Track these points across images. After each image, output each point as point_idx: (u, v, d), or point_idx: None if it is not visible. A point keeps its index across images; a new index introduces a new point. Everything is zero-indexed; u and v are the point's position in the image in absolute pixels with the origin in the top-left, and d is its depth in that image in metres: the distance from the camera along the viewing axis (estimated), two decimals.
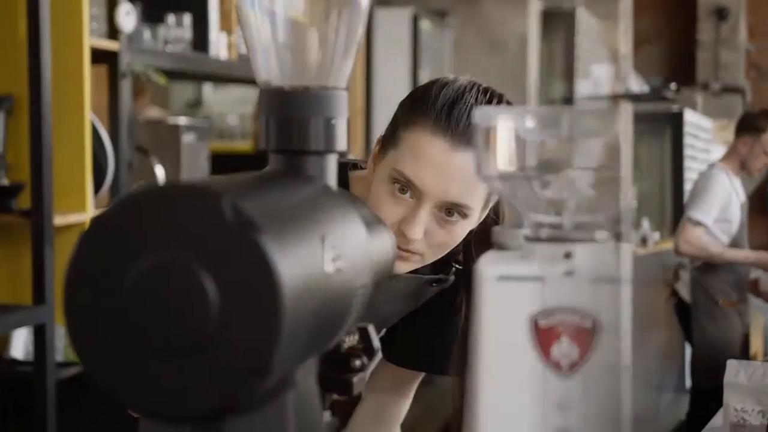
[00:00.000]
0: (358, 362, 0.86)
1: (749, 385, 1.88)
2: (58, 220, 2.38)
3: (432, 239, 1.24)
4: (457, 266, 1.40)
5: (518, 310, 0.68)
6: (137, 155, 2.84)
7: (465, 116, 1.21)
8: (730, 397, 1.88)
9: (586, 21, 7.00)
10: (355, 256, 0.73)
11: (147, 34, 2.89)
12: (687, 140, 6.56)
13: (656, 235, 5.78)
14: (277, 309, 0.59)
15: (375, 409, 1.48)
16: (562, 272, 0.68)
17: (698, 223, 4.16)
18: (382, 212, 1.23)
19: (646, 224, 5.93)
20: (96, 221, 0.62)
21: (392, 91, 5.06)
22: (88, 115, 2.45)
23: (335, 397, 0.85)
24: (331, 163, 0.79)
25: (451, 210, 1.23)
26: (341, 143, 0.78)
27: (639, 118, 5.80)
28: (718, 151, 8.02)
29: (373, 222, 0.85)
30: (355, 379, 0.86)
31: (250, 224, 0.60)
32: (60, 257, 2.34)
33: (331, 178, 0.79)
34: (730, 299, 4.38)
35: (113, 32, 2.63)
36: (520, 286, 0.68)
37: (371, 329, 0.86)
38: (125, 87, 2.64)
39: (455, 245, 1.28)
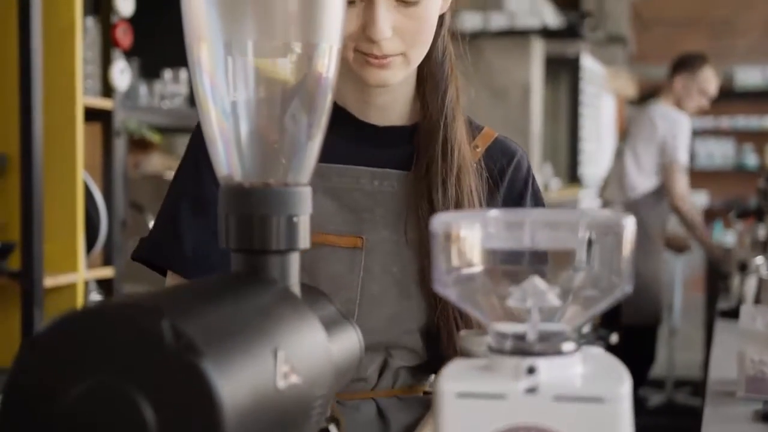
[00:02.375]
0: None
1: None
2: (49, 281, 2.35)
3: (404, 33, 1.15)
4: None
5: (479, 430, 0.65)
6: (132, 212, 2.82)
7: None
8: (746, 347, 1.68)
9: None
10: (313, 365, 0.70)
11: (143, 89, 2.89)
12: (582, 86, 6.58)
13: (556, 182, 5.76)
14: None
15: None
16: (524, 389, 0.65)
17: (686, 168, 4.20)
18: None
19: (548, 170, 5.88)
20: (32, 342, 0.59)
21: None
22: (81, 174, 2.43)
23: None
24: (294, 262, 0.76)
25: None
26: (304, 241, 0.76)
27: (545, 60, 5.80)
28: (608, 99, 8.07)
29: (336, 321, 0.82)
30: None
31: (191, 348, 0.57)
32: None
33: (293, 278, 0.76)
34: (663, 234, 4.37)
35: (108, 90, 2.62)
36: (482, 404, 0.65)
37: (333, 429, 0.83)
38: (119, 145, 2.62)
39: (432, 32, 1.19)
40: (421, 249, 1.21)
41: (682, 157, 4.19)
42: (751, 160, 9.66)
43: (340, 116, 1.25)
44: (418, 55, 1.19)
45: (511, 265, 0.69)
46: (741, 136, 9.73)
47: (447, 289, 0.67)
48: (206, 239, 1.20)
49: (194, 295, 0.67)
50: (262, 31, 0.75)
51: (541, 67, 5.77)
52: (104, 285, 2.69)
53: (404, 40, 1.15)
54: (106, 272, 2.65)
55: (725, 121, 9.66)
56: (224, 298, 0.67)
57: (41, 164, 2.31)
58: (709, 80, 4.35)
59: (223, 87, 0.75)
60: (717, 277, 4.48)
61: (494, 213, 0.68)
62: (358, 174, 1.23)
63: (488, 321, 0.69)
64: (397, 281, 1.21)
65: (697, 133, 9.71)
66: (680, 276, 5.87)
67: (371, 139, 1.26)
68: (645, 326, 4.27)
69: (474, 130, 1.30)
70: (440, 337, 1.21)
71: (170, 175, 3.14)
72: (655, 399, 5.38)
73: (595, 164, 7.45)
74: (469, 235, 0.67)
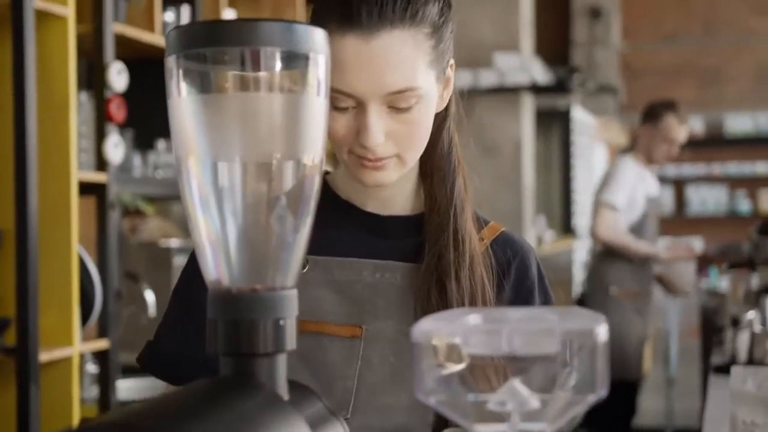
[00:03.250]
0: None
1: (759, 393, 1.71)
2: (44, 356, 2.36)
3: (397, 137, 1.15)
4: None
5: None
6: (127, 282, 2.84)
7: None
8: (737, 409, 1.70)
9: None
10: None
11: (137, 160, 2.93)
12: (573, 137, 6.64)
13: (550, 234, 5.76)
14: None
15: None
16: None
17: (612, 207, 4.18)
18: (332, 136, 1.15)
19: (541, 222, 5.89)
20: None
21: None
22: (76, 249, 2.46)
23: None
24: (281, 364, 0.78)
25: (401, 102, 1.13)
26: (291, 342, 0.78)
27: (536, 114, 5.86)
28: (600, 149, 8.14)
29: (324, 418, 0.84)
30: None
31: None
32: (46, 395, 2.33)
33: (281, 379, 0.78)
34: (626, 290, 4.29)
35: (102, 163, 2.66)
36: None
37: None
38: (113, 218, 2.65)
39: (428, 133, 1.18)
40: None
41: (609, 196, 4.21)
42: (744, 205, 9.73)
43: (344, 208, 1.28)
44: (413, 156, 1.19)
45: (492, 368, 0.71)
46: (733, 183, 9.81)
47: (429, 396, 0.70)
48: (189, 351, 1.23)
49: (182, 406, 0.69)
50: (248, 145, 0.78)
51: (531, 121, 5.83)
52: (100, 356, 2.71)
53: (397, 144, 1.16)
54: (102, 344, 2.66)
55: (717, 168, 9.75)
56: (212, 408, 0.70)
57: (36, 239, 2.34)
58: (672, 128, 4.30)
59: (211, 196, 0.78)
60: (711, 326, 4.48)
61: (473, 319, 0.71)
62: (360, 266, 1.23)
63: (470, 424, 0.71)
64: (395, 371, 1.21)
65: (689, 180, 9.81)
66: (676, 324, 5.88)
67: (375, 229, 1.27)
68: (621, 381, 4.23)
69: (480, 222, 1.30)
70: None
71: (165, 242, 3.17)
72: None
73: (589, 215, 7.50)
74: (450, 343, 0.69)
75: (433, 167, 1.27)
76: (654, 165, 4.42)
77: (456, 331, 0.70)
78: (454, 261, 1.22)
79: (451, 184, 1.26)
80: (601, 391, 0.69)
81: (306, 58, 0.78)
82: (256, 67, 0.77)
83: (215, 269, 0.79)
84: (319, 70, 0.78)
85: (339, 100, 1.13)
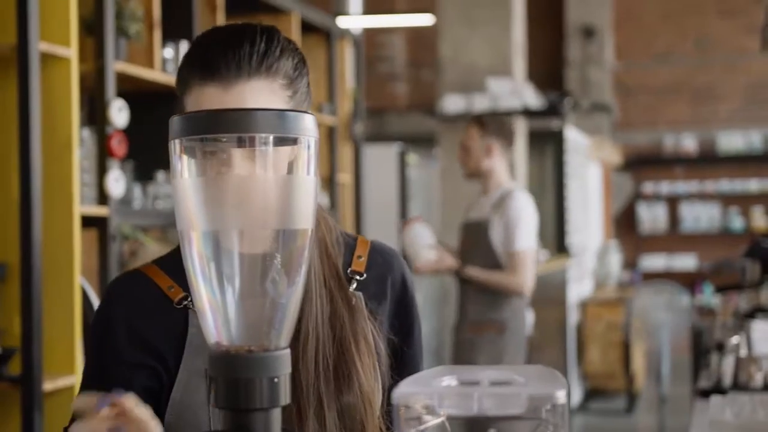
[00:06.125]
0: None
1: (737, 422, 1.74)
2: (48, 385, 2.44)
3: None
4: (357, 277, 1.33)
5: None
6: None
7: (224, 48, 1.18)
8: None
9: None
10: None
11: (137, 191, 3.00)
12: (566, 157, 6.71)
13: (544, 253, 5.81)
14: None
15: None
16: None
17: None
18: None
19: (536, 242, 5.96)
20: None
21: (382, 224, 5.21)
22: (78, 280, 2.54)
23: None
24: (276, 417, 0.86)
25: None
26: (285, 397, 0.86)
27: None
28: (595, 168, 8.21)
29: None
30: None
31: None
32: (50, 424, 2.40)
33: (275, 431, 0.86)
34: (471, 321, 4.08)
35: (103, 197, 2.74)
36: None
37: None
38: (114, 249, 2.74)
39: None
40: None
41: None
42: (737, 223, 9.81)
43: None
44: None
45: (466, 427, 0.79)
46: (726, 200, 9.89)
47: None
48: None
49: None
50: (245, 219, 0.87)
51: (524, 143, 5.90)
52: None
53: None
54: None
55: (710, 185, 9.83)
56: None
57: (40, 272, 2.42)
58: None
59: (210, 265, 0.86)
60: (701, 345, 4.51)
61: (447, 383, 0.79)
62: None
63: None
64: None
65: (683, 197, 9.89)
66: (668, 341, 5.94)
67: None
68: None
69: (349, 240, 1.35)
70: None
71: None
72: None
73: (583, 233, 7.57)
74: (425, 405, 0.77)
75: None
76: (490, 187, 4.13)
77: (431, 395, 0.78)
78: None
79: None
80: None
81: (295, 140, 0.86)
82: (252, 150, 0.85)
83: (215, 332, 0.87)
84: (308, 151, 0.87)
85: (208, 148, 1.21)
